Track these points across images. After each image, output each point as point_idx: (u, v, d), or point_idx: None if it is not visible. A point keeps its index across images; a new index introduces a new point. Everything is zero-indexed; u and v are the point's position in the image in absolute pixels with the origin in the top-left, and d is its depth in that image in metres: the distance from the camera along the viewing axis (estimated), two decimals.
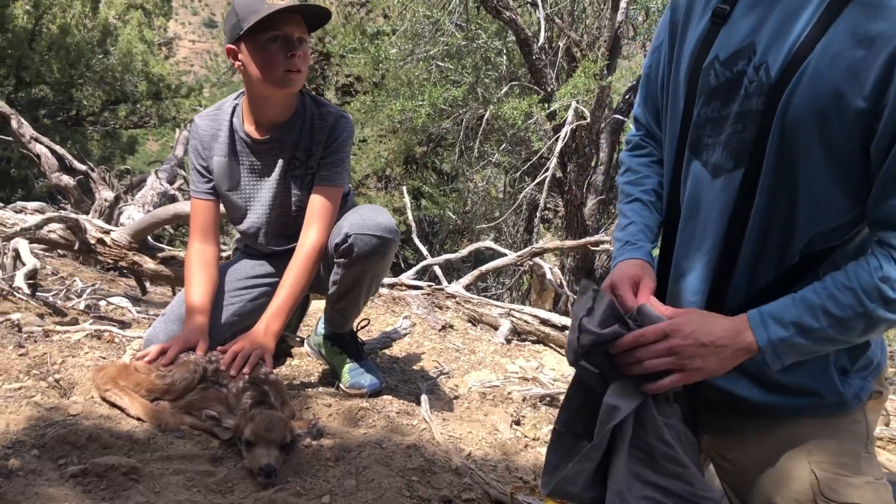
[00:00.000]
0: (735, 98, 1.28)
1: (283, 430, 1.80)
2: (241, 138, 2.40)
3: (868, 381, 1.36)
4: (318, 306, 3.09)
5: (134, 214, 6.03)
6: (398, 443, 2.07)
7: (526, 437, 2.50)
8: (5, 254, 3.46)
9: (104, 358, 2.40)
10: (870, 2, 1.12)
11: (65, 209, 5.88)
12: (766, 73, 1.23)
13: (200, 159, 2.45)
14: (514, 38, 7.47)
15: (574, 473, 1.27)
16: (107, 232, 3.95)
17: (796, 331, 1.20)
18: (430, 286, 4.24)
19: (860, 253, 1.24)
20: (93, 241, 3.86)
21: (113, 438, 1.79)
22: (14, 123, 6.35)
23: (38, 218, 3.80)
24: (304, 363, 2.78)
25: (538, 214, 7.61)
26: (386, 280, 4.06)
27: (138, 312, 3.31)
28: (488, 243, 5.57)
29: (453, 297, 4.09)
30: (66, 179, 6.29)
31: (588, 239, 5.83)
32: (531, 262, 4.94)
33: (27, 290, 3.14)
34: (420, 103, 7.81)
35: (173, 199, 6.74)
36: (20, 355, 2.26)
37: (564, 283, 5.22)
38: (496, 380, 2.93)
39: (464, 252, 5.30)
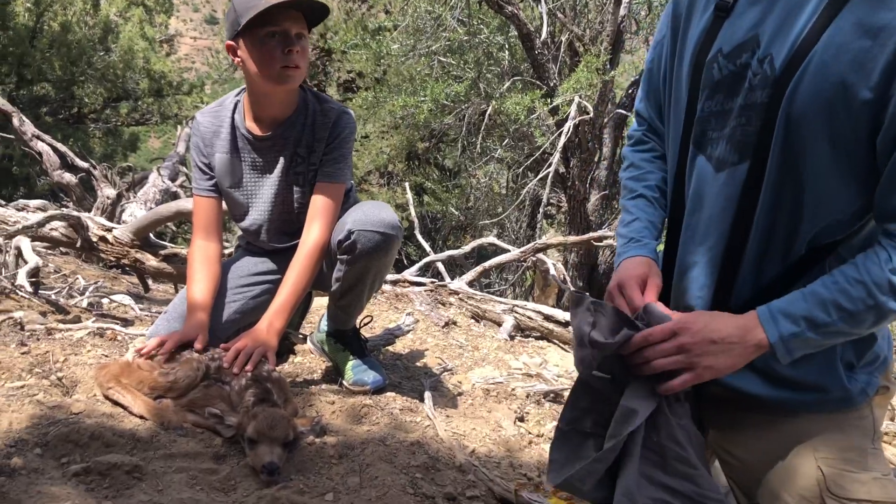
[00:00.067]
0: (739, 91, 1.28)
1: (285, 427, 1.80)
2: (243, 135, 2.39)
3: (874, 376, 1.35)
4: (320, 303, 3.09)
5: (136, 212, 6.03)
6: (402, 440, 2.07)
7: (530, 433, 2.49)
8: (8, 252, 3.45)
9: (107, 356, 2.40)
10: None
11: (67, 207, 5.88)
12: (771, 65, 1.22)
13: (202, 156, 2.44)
14: (516, 33, 7.45)
15: (586, 473, 1.27)
16: (109, 229, 3.95)
17: (807, 325, 1.19)
18: (433, 283, 4.24)
19: (866, 245, 1.23)
20: (95, 239, 3.86)
21: (116, 437, 1.79)
22: (16, 121, 6.35)
23: (40, 216, 3.79)
24: (307, 360, 2.77)
25: (541, 210, 7.61)
26: (389, 277, 4.06)
27: (141, 310, 3.30)
28: (491, 239, 5.56)
29: (456, 293, 4.08)
30: (68, 177, 6.29)
31: (591, 234, 5.82)
32: (534, 258, 4.93)
33: (29, 289, 3.13)
34: (422, 99, 7.80)
35: (175, 197, 6.74)
36: (22, 353, 2.25)
37: (568, 279, 5.21)
38: (500, 376, 2.92)
39: (467, 248, 5.29)
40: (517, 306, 3.92)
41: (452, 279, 4.45)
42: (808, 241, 1.26)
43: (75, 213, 3.94)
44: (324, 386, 2.50)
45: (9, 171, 12.10)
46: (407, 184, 7.49)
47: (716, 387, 1.34)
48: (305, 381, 2.55)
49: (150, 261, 3.92)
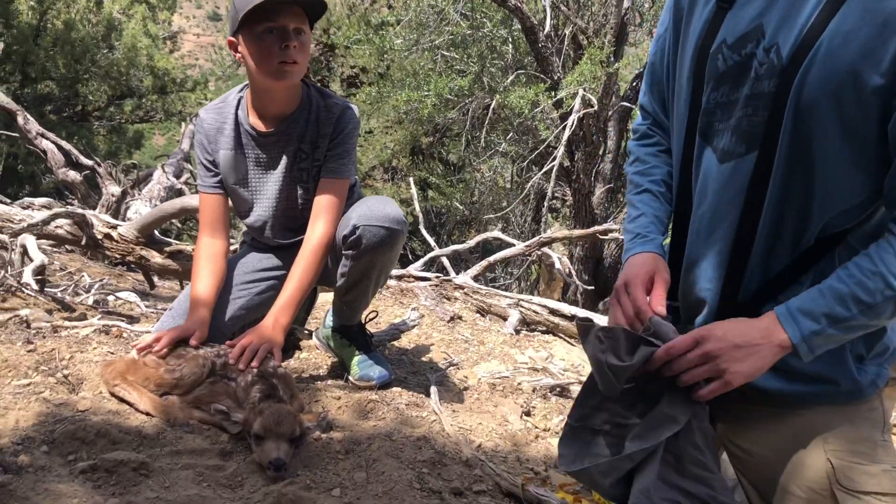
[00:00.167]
0: (745, 81, 1.27)
1: (292, 423, 1.80)
2: (247, 131, 2.39)
3: (884, 367, 1.34)
4: (326, 299, 3.08)
5: (141, 209, 6.03)
6: (408, 435, 2.07)
7: (536, 427, 2.49)
8: (13, 250, 3.45)
9: (112, 353, 2.40)
10: None
11: (72, 204, 5.89)
12: (777, 54, 1.21)
13: (206, 153, 2.44)
14: (519, 27, 7.42)
15: (609, 467, 1.27)
16: (114, 227, 3.95)
17: (828, 322, 1.19)
18: (438, 277, 4.23)
19: (876, 233, 1.22)
20: (100, 236, 3.87)
21: (122, 434, 1.79)
22: (20, 119, 6.35)
23: (45, 214, 3.80)
24: (313, 356, 2.77)
25: (546, 204, 7.58)
26: (394, 272, 4.05)
27: (147, 307, 3.31)
28: (496, 233, 5.55)
29: (461, 287, 4.08)
30: (73, 175, 6.30)
31: (596, 228, 5.81)
32: (539, 252, 4.91)
33: (35, 286, 3.13)
34: (426, 94, 7.78)
35: (180, 193, 6.73)
36: (29, 351, 2.26)
37: (573, 273, 5.20)
38: (506, 371, 2.91)
39: (471, 243, 5.29)
40: (523, 300, 3.90)
41: (457, 274, 4.44)
42: (819, 231, 1.25)
43: (80, 211, 3.94)
44: (330, 381, 2.50)
45: (14, 170, 12.12)
46: (411, 179, 7.48)
47: None
48: (311, 377, 2.55)
49: (156, 257, 3.92)
